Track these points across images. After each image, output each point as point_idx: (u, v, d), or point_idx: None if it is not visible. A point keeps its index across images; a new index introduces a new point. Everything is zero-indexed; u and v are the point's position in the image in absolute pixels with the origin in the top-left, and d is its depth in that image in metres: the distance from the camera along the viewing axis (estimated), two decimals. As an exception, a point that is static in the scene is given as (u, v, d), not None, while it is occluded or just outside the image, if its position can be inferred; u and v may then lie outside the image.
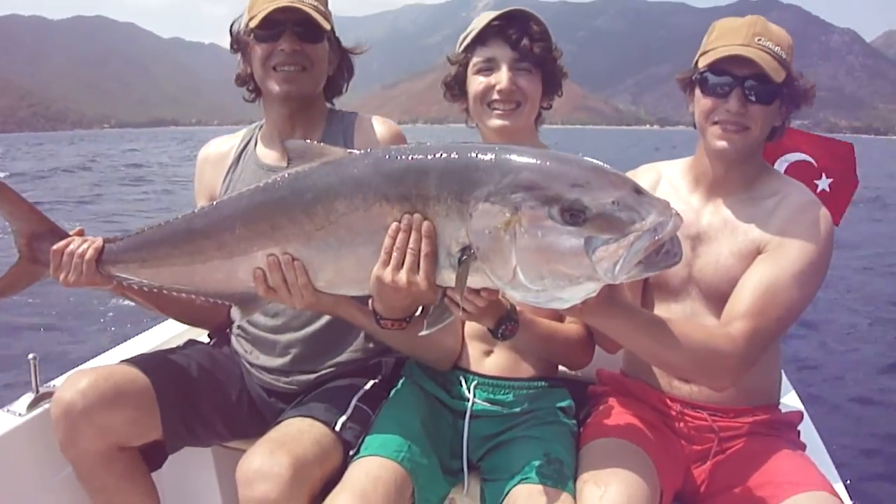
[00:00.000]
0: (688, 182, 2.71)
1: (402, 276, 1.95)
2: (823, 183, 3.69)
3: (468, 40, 2.66)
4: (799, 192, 2.54)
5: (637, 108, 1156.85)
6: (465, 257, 1.90)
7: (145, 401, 2.61)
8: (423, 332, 2.10)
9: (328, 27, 2.74)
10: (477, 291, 1.99)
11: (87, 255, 2.42)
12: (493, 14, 2.61)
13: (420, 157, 1.94)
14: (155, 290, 2.43)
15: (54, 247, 2.47)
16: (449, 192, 1.88)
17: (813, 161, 3.67)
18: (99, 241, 2.47)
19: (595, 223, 1.74)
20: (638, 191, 1.78)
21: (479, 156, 1.87)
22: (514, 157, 1.85)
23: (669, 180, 2.76)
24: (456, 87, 2.75)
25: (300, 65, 2.73)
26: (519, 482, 2.27)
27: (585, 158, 1.90)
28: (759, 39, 2.38)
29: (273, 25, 2.68)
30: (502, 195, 1.80)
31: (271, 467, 2.19)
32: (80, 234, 2.53)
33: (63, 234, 2.55)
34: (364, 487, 2.19)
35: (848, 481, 2.71)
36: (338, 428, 2.50)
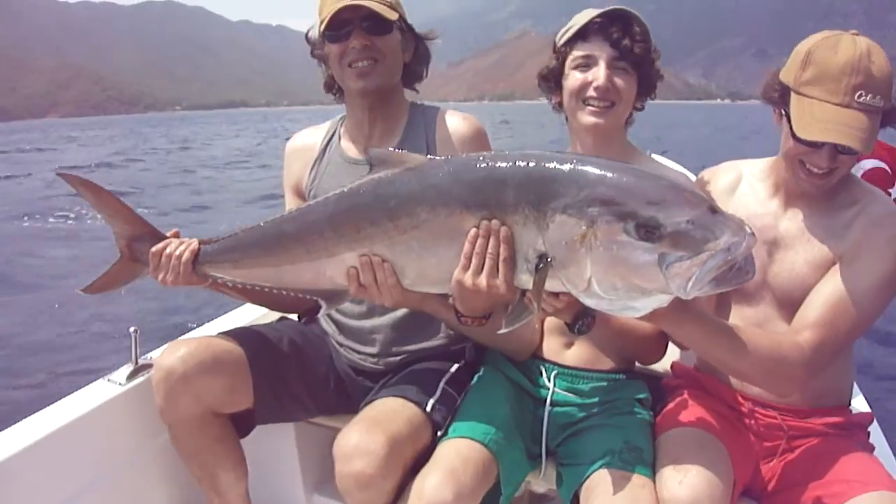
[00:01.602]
0: (767, 186, 2.65)
1: (483, 279, 2.03)
2: None
3: (569, 34, 2.66)
4: (880, 203, 2.47)
5: (708, 81, 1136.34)
6: (541, 265, 1.96)
7: (240, 370, 2.75)
8: (503, 331, 2.16)
9: (395, 17, 2.78)
10: (556, 294, 2.06)
11: (185, 258, 2.55)
12: (595, 11, 2.61)
13: (499, 166, 2.00)
14: (248, 287, 2.58)
15: (153, 249, 2.59)
16: (527, 201, 1.94)
17: (887, 168, 3.59)
18: (195, 244, 2.59)
19: (669, 240, 1.78)
20: (713, 210, 1.82)
21: (557, 167, 1.92)
22: (591, 171, 1.89)
23: (749, 182, 2.71)
24: (552, 79, 2.75)
25: (372, 58, 2.78)
26: (600, 466, 2.33)
27: (664, 176, 1.94)
28: (860, 96, 2.20)
29: (341, 25, 2.74)
30: (579, 208, 1.85)
31: (367, 444, 2.29)
32: (177, 235, 2.66)
33: (160, 236, 2.67)
34: (454, 466, 2.27)
35: None
36: (428, 409, 2.59)
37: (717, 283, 1.82)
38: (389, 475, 2.31)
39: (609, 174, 1.88)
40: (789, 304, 2.49)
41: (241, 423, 2.88)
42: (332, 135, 3.11)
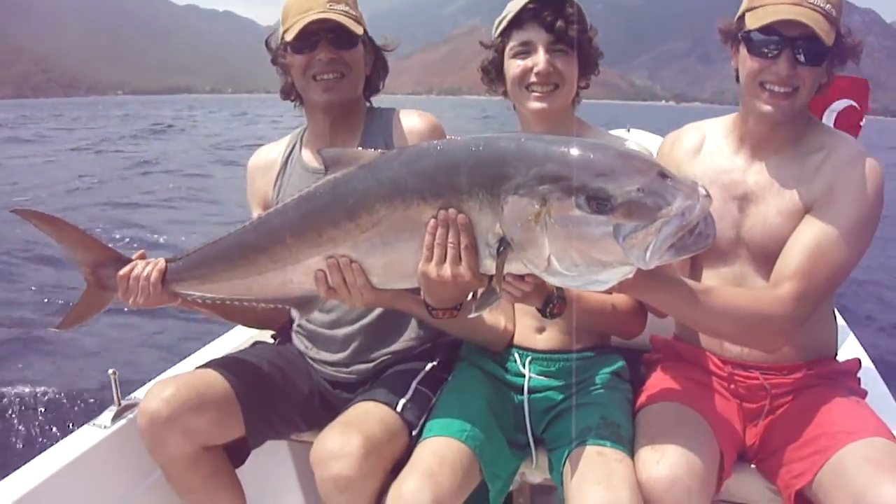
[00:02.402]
0: (732, 141, 2.64)
1: (447, 269, 2.02)
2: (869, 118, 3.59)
3: (504, 24, 2.65)
4: (846, 146, 2.44)
5: (653, 83, 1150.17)
6: (502, 248, 1.96)
7: (226, 401, 2.72)
8: (472, 315, 2.19)
9: (361, 31, 2.78)
10: (521, 277, 2.05)
11: (153, 278, 2.53)
12: None
13: (449, 152, 2.00)
14: (218, 302, 2.55)
15: (120, 273, 2.56)
16: (480, 186, 1.93)
17: (856, 105, 3.64)
18: (161, 263, 2.57)
19: (622, 211, 1.76)
20: (664, 175, 1.79)
21: (506, 148, 1.92)
22: (539, 148, 1.89)
23: (713, 140, 2.69)
24: (493, 71, 2.75)
25: (338, 72, 2.78)
26: (578, 445, 2.32)
27: (612, 145, 1.94)
28: None
29: (308, 36, 2.73)
30: (530, 187, 1.84)
31: (342, 447, 2.27)
32: (143, 257, 2.62)
33: (125, 260, 2.64)
34: (431, 467, 2.24)
35: None
36: (399, 409, 2.58)
37: (677, 249, 1.80)
38: (368, 476, 2.29)
39: (556, 149, 1.87)
40: (766, 259, 2.45)
41: (235, 452, 2.87)
42: (293, 147, 3.12)
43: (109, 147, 40.60)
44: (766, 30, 2.31)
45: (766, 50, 2.32)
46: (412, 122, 2.97)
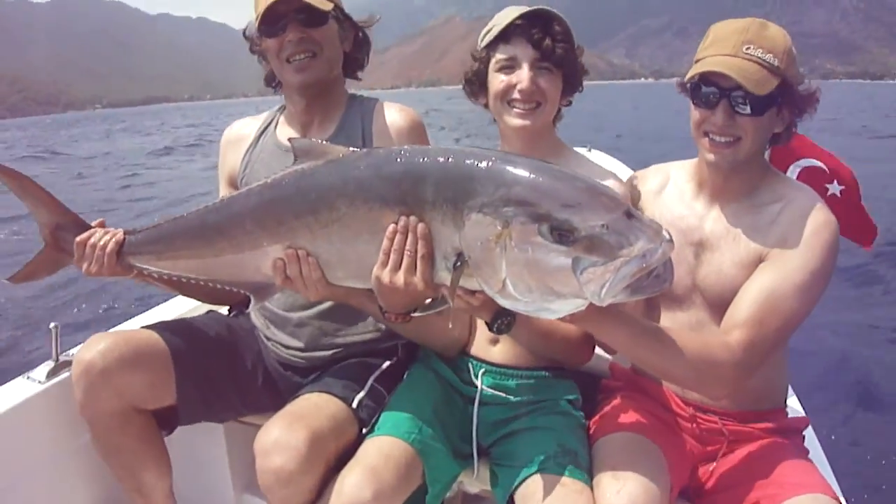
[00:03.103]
0: (692, 186, 2.65)
1: (400, 277, 2.01)
2: (835, 188, 3.63)
3: (490, 37, 2.63)
4: (804, 198, 2.44)
5: (631, 61, 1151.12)
6: (458, 263, 1.94)
7: (162, 365, 2.69)
8: (416, 314, 2.21)
9: (329, 7, 2.76)
10: (472, 292, 2.03)
11: (109, 248, 2.51)
12: (516, 11, 2.60)
13: (419, 161, 1.98)
14: (174, 279, 2.53)
15: (78, 238, 2.55)
16: (444, 198, 1.91)
17: (824, 167, 3.62)
18: (120, 234, 2.55)
19: (583, 244, 1.75)
20: (629, 215, 1.78)
21: (476, 165, 1.89)
22: (509, 170, 1.86)
23: (676, 184, 2.71)
24: (476, 82, 2.72)
25: (310, 51, 2.76)
26: (536, 471, 2.30)
27: (583, 177, 1.91)
28: (748, 48, 2.30)
29: (276, 19, 2.72)
30: (495, 207, 1.82)
31: (288, 440, 2.26)
32: (102, 225, 2.63)
33: (85, 226, 2.63)
34: (375, 464, 2.25)
35: (846, 488, 2.65)
36: (354, 405, 2.56)
37: (633, 290, 1.78)
38: (310, 471, 2.27)
39: (526, 174, 1.85)
40: (721, 307, 2.44)
41: (165, 420, 2.81)
42: (269, 123, 3.09)
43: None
44: (704, 80, 2.36)
45: (705, 100, 2.37)
46: (393, 115, 2.93)
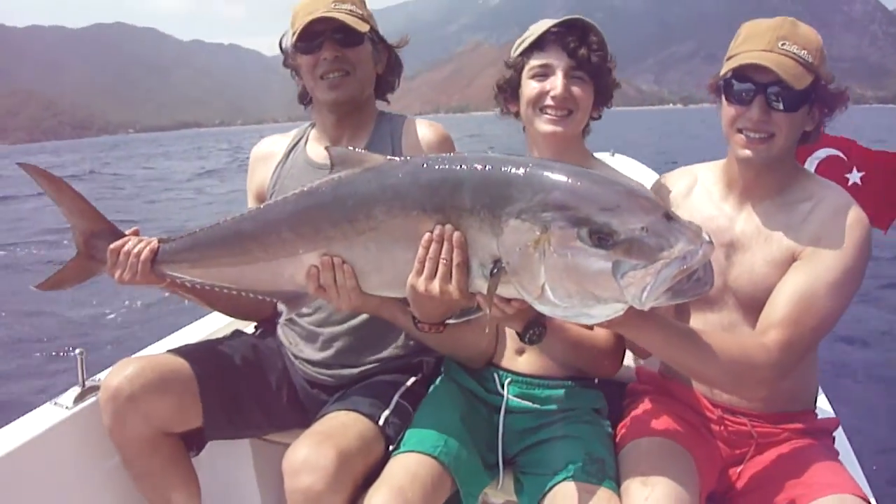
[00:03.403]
0: (721, 187, 2.64)
1: (436, 285, 2.01)
2: (854, 176, 3.61)
3: (525, 44, 2.68)
4: (834, 195, 2.45)
5: (660, 87, 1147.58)
6: (496, 270, 1.93)
7: (189, 389, 2.71)
8: (450, 322, 2.23)
9: (366, 28, 2.81)
10: (508, 300, 2.03)
11: (143, 255, 2.51)
12: (552, 21, 2.63)
13: (456, 168, 1.97)
14: (206, 288, 2.52)
15: (112, 245, 2.55)
16: (482, 205, 1.91)
17: (842, 155, 3.60)
18: (154, 242, 2.54)
19: (624, 248, 1.75)
20: (669, 217, 1.78)
21: (513, 171, 1.90)
22: (547, 175, 1.87)
23: (704, 185, 2.70)
24: (509, 90, 2.76)
25: (343, 70, 2.80)
26: (563, 479, 2.30)
27: (620, 180, 1.92)
28: (783, 44, 2.29)
29: (313, 37, 2.77)
30: (533, 213, 1.82)
31: (317, 459, 2.26)
32: (136, 233, 2.61)
33: (120, 234, 2.62)
34: (402, 483, 2.24)
35: (877, 490, 2.65)
36: (381, 422, 2.56)
37: (675, 293, 1.78)
38: (339, 490, 2.28)
39: (564, 179, 1.85)
40: (753, 308, 2.43)
41: (193, 441, 2.85)
42: (299, 140, 3.14)
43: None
44: (739, 77, 2.36)
45: (740, 96, 2.36)
46: (423, 131, 2.98)
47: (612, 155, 5.95)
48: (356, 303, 2.26)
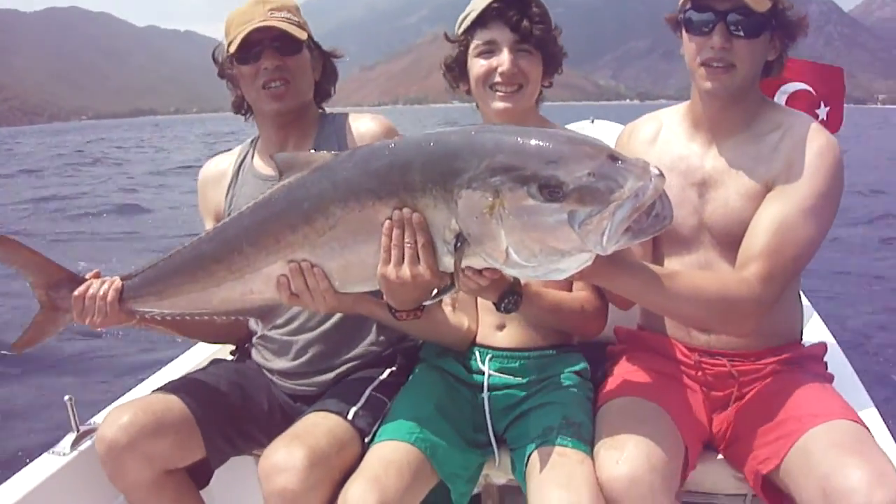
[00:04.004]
0: (687, 126, 2.62)
1: (405, 270, 2.00)
2: (822, 112, 3.61)
3: (467, 22, 2.63)
4: (802, 123, 2.43)
5: (617, 83, 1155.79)
6: (459, 243, 1.93)
7: (185, 424, 2.68)
8: (426, 303, 2.20)
9: (304, 36, 2.78)
10: (479, 272, 2.02)
11: (109, 297, 2.48)
12: None
13: (402, 150, 1.99)
14: (178, 318, 2.51)
15: (75, 293, 2.51)
16: (433, 182, 1.91)
17: (811, 90, 3.57)
18: (117, 281, 2.52)
19: (574, 197, 1.74)
20: (614, 158, 1.77)
21: (456, 142, 1.91)
22: (489, 140, 1.88)
23: (670, 127, 2.68)
24: (456, 68, 2.74)
25: (284, 79, 2.77)
26: (539, 445, 2.30)
27: (561, 131, 1.94)
28: None
29: (251, 46, 2.72)
30: (482, 180, 1.82)
31: (287, 460, 2.26)
32: (98, 275, 2.59)
33: (80, 280, 2.59)
34: (377, 472, 2.22)
35: (882, 408, 2.68)
36: (350, 417, 2.54)
37: (634, 233, 1.78)
38: (315, 487, 2.26)
39: (505, 139, 1.87)
40: (730, 243, 2.43)
41: (199, 473, 2.81)
42: (245, 156, 3.10)
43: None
44: (698, 7, 2.34)
45: (701, 27, 2.34)
46: (365, 125, 2.96)
47: (592, 122, 5.92)
48: (332, 303, 2.25)
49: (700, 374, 2.56)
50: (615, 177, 1.74)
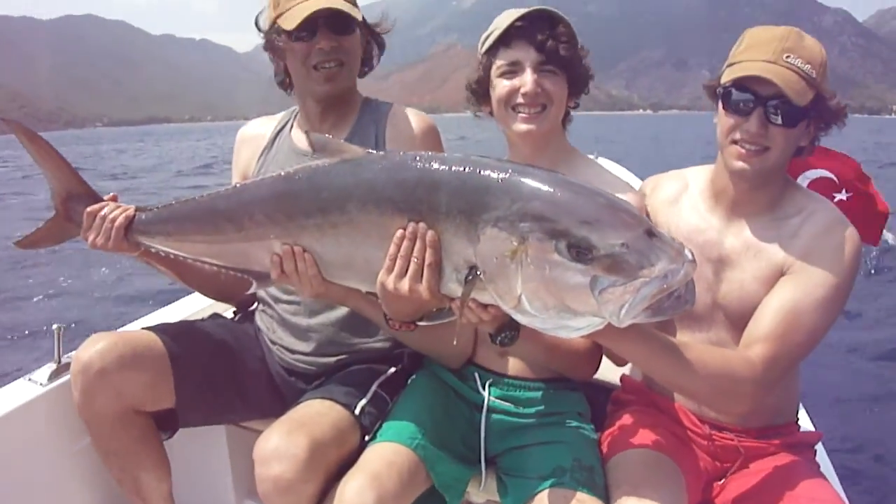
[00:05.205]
0: (708, 197, 2.57)
1: (405, 284, 1.97)
2: (842, 195, 3.55)
3: (490, 42, 2.55)
4: (825, 210, 2.40)
5: (630, 93, 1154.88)
6: (471, 276, 1.89)
7: (161, 366, 2.66)
8: (421, 324, 2.18)
9: (360, 16, 2.73)
10: (485, 306, 1.98)
11: (118, 221, 2.49)
12: (515, 13, 2.49)
13: (434, 168, 1.92)
14: (178, 260, 2.52)
15: (89, 209, 2.54)
16: (459, 209, 1.86)
17: (834, 178, 3.53)
18: (131, 210, 2.53)
19: (602, 263, 1.69)
20: (650, 233, 1.72)
21: (492, 176, 1.84)
22: (526, 183, 1.81)
23: (693, 192, 2.63)
24: (479, 90, 2.64)
25: (339, 60, 2.72)
26: (552, 485, 2.26)
27: (602, 192, 1.84)
28: (788, 57, 2.21)
29: (307, 24, 2.65)
30: (511, 222, 1.78)
31: (287, 447, 2.23)
32: (115, 199, 2.61)
33: (98, 198, 2.62)
34: (378, 470, 2.21)
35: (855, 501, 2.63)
36: (357, 412, 2.52)
37: (654, 311, 1.73)
38: (310, 479, 2.24)
39: (543, 187, 1.79)
40: (743, 325, 2.36)
41: (166, 423, 2.79)
42: (285, 125, 3.07)
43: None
44: (739, 87, 2.29)
45: (739, 107, 2.30)
46: (409, 120, 2.90)
47: (596, 157, 5.84)
48: (319, 290, 2.24)
49: (708, 443, 2.55)
50: (648, 253, 1.69)
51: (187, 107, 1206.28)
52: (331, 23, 2.68)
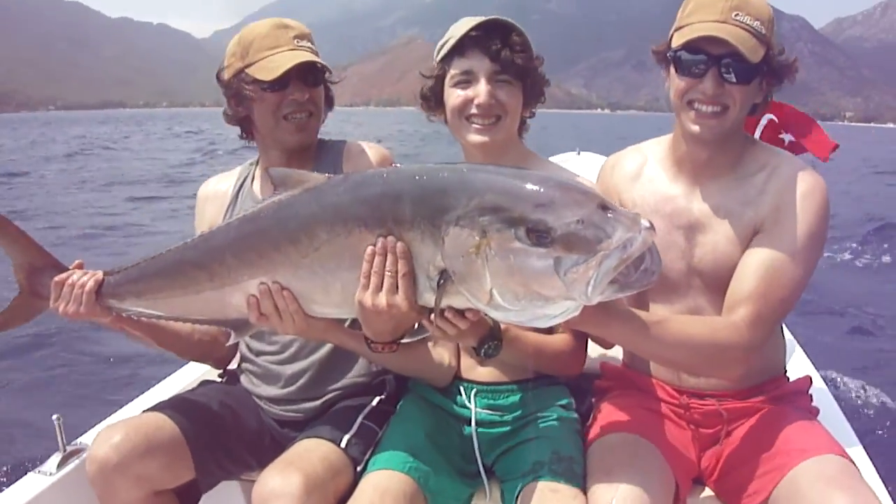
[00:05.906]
0: (670, 164, 2.56)
1: (382, 298, 1.96)
2: (786, 137, 3.54)
3: (445, 50, 2.52)
4: (788, 164, 2.41)
5: (589, 92, 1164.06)
6: (442, 281, 1.90)
7: (176, 445, 2.67)
8: (404, 341, 2.18)
9: (326, 69, 2.78)
10: (461, 313, 1.99)
11: (88, 287, 2.46)
12: (471, 22, 2.46)
13: (395, 181, 1.96)
14: (153, 321, 2.50)
15: (56, 278, 2.50)
16: (422, 216, 1.89)
17: (773, 117, 3.53)
18: (99, 275, 2.49)
19: (562, 243, 1.70)
20: (604, 207, 1.73)
21: (448, 179, 1.87)
22: (479, 179, 1.85)
23: (653, 164, 2.63)
24: (433, 98, 2.62)
25: (309, 111, 2.75)
26: (531, 480, 2.27)
27: (554, 175, 1.88)
28: (737, 14, 2.22)
29: (281, 76, 2.66)
30: (471, 218, 1.79)
31: (283, 487, 2.24)
32: (80, 267, 2.56)
33: (63, 268, 2.57)
34: (372, 500, 2.21)
35: (867, 442, 2.68)
36: (343, 445, 2.54)
37: (621, 286, 1.74)
38: None
39: (496, 180, 1.83)
40: (720, 288, 2.38)
41: (187, 494, 2.79)
42: (245, 179, 3.07)
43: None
44: (691, 48, 2.28)
45: (692, 69, 2.29)
46: (365, 154, 2.95)
47: (578, 153, 5.88)
48: (301, 326, 2.22)
49: (688, 413, 2.55)
50: (604, 226, 1.70)
51: (143, 92, 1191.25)
52: (303, 75, 2.70)
